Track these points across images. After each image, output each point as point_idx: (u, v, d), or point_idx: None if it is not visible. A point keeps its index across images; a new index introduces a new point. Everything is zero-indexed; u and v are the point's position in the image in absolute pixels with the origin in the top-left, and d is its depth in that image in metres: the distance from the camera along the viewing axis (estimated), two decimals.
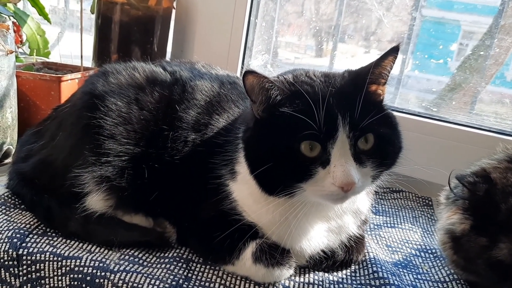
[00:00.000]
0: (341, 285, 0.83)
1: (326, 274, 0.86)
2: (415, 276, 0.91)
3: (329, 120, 0.70)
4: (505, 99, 1.46)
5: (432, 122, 1.32)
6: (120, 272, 0.76)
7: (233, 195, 0.82)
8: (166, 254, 0.85)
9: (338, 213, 0.85)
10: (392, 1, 1.57)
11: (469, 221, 0.80)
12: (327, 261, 0.86)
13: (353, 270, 0.89)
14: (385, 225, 1.12)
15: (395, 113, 0.81)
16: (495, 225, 0.75)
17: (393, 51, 0.74)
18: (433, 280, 0.90)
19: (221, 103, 0.93)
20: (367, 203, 0.90)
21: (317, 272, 0.86)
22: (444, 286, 0.87)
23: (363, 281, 0.85)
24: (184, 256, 0.84)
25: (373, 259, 0.91)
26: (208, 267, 0.83)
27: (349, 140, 0.70)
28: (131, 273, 0.77)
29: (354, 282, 0.85)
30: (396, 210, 1.21)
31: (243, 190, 0.81)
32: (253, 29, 1.53)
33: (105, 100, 0.89)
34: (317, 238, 0.83)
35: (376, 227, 1.10)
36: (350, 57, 1.70)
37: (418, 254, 0.99)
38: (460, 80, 1.46)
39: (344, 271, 0.88)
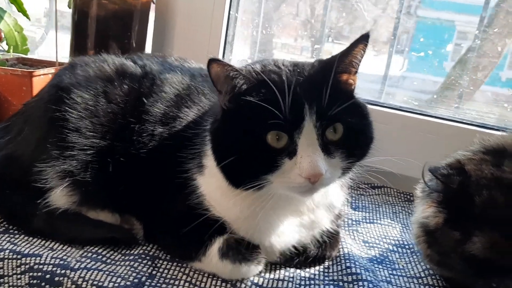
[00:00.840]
0: (312, 281, 0.81)
1: (298, 270, 0.83)
2: (390, 271, 0.88)
3: (295, 109, 0.67)
4: (499, 97, 1.47)
5: (412, 116, 1.30)
6: (80, 270, 0.73)
7: (201, 189, 0.80)
8: (132, 251, 0.82)
9: (310, 208, 0.82)
10: (387, 2, 1.56)
11: (443, 215, 0.77)
12: (299, 257, 0.84)
13: (326, 266, 0.86)
14: (364, 220, 1.10)
15: (372, 106, 0.79)
16: (468, 218, 0.73)
17: (363, 39, 0.72)
18: (408, 275, 0.87)
19: (191, 96, 0.90)
20: (341, 197, 0.88)
21: (288, 269, 0.83)
22: (419, 281, 0.85)
23: (335, 277, 0.83)
24: (151, 253, 0.82)
25: (347, 255, 0.88)
26: (175, 264, 0.80)
27: (316, 129, 0.68)
28: (92, 270, 0.74)
29: (326, 278, 0.83)
30: (377, 206, 1.19)
31: (211, 184, 0.79)
32: (233, 23, 1.50)
33: (70, 93, 0.86)
34: (287, 233, 0.81)
35: (354, 223, 1.07)
36: None
37: (395, 249, 0.97)
38: (455, 80, 1.46)
39: (317, 267, 0.85)
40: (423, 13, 1.67)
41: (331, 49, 1.78)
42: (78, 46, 1.46)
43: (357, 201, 1.20)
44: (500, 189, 0.72)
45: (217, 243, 0.77)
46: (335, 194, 0.85)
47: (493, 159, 0.76)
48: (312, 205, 0.82)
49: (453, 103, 1.41)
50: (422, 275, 0.86)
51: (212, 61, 0.69)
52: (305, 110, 0.68)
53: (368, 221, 1.10)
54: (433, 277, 0.85)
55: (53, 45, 1.43)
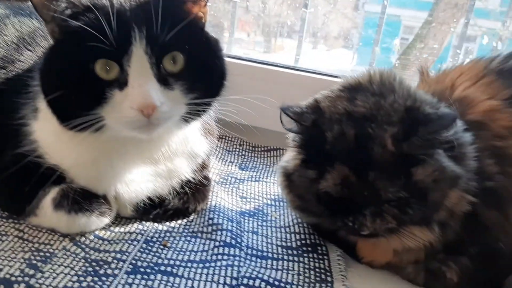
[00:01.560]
0: (168, 234, 0.75)
1: (155, 224, 0.77)
2: (260, 223, 0.84)
3: (123, 34, 0.61)
4: None
5: (280, 70, 1.27)
6: None
7: (34, 135, 0.71)
8: None
9: (166, 155, 0.76)
10: None
11: (300, 156, 0.74)
12: (156, 209, 0.77)
13: (190, 220, 0.81)
14: (249, 179, 1.05)
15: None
16: (321, 155, 0.69)
17: None
18: (277, 226, 0.84)
19: (37, 39, 0.82)
20: (204, 146, 0.82)
21: (144, 222, 0.77)
22: (287, 230, 0.82)
23: (195, 229, 0.78)
24: None
25: (213, 207, 0.83)
26: (10, 221, 0.72)
27: (148, 57, 0.62)
28: None
29: (186, 230, 0.77)
30: (267, 166, 1.15)
31: (44, 129, 0.71)
32: None
33: None
34: (139, 182, 0.74)
35: (237, 181, 1.03)
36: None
37: (272, 204, 0.93)
38: (400, 72, 1.47)
39: (179, 221, 0.80)
40: (370, 8, 1.67)
41: (284, 43, 1.74)
42: None
43: (247, 162, 1.16)
44: (351, 122, 0.68)
45: (52, 194, 0.69)
46: (196, 141, 0.80)
47: (348, 94, 0.73)
48: (168, 153, 0.76)
49: None
50: (291, 224, 0.83)
51: None
52: (134, 35, 0.61)
53: (253, 179, 1.05)
54: (300, 225, 0.82)
55: None
